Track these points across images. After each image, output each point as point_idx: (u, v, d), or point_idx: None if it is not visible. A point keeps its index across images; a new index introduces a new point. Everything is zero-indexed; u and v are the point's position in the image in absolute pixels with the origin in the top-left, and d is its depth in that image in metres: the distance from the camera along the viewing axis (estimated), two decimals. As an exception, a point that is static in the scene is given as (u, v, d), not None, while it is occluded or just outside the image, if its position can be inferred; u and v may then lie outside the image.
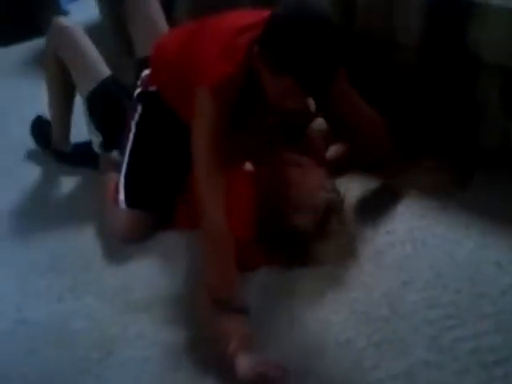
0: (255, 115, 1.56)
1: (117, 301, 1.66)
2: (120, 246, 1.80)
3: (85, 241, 1.86)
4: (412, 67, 1.87)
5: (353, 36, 1.84)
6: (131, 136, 1.80)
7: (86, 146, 2.06)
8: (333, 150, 1.89)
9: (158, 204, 1.81)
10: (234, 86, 1.48)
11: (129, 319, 1.60)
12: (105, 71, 1.95)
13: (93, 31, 2.26)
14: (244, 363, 1.35)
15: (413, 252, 1.65)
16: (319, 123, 1.88)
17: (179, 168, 1.76)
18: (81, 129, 2.06)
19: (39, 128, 2.21)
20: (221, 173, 1.50)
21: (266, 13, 1.45)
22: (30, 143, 2.25)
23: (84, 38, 1.96)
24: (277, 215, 1.64)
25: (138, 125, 1.80)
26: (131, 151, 1.80)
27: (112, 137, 1.92)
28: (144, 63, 1.87)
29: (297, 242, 1.63)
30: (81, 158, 2.11)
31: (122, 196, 1.79)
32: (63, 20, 2.03)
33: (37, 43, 3.02)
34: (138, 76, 1.88)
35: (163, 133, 1.79)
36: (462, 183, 1.78)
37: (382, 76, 1.93)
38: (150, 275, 1.71)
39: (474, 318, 1.45)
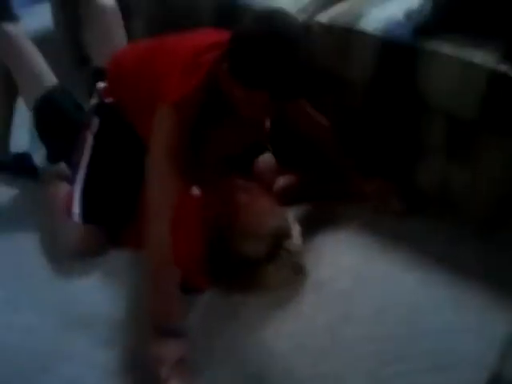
0: (216, 130, 1.57)
1: (55, 316, 1.61)
2: (62, 260, 1.76)
3: (24, 253, 1.80)
4: (360, 103, 1.92)
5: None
6: (88, 148, 1.77)
7: (25, 156, 2.01)
8: (281, 181, 1.93)
9: (113, 220, 1.78)
10: (194, 103, 1.49)
11: (66, 336, 1.56)
12: (51, 80, 1.90)
13: (45, 39, 2.24)
14: None
15: (354, 285, 1.68)
16: (267, 157, 1.90)
17: (135, 183, 1.73)
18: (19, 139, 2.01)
19: None
20: (174, 191, 1.50)
21: (227, 33, 1.48)
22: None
23: (28, 46, 1.90)
24: (224, 240, 1.65)
25: (95, 137, 1.77)
26: (89, 164, 1.77)
27: (58, 148, 1.88)
28: (99, 74, 1.86)
29: (243, 267, 1.64)
30: (19, 168, 2.05)
31: (76, 210, 1.75)
32: (7, 26, 1.93)
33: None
34: (91, 85, 1.86)
35: (121, 146, 1.77)
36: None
37: (330, 108, 1.97)
38: (91, 292, 1.68)
39: (413, 355, 1.49)
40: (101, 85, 1.82)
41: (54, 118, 1.88)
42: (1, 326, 1.59)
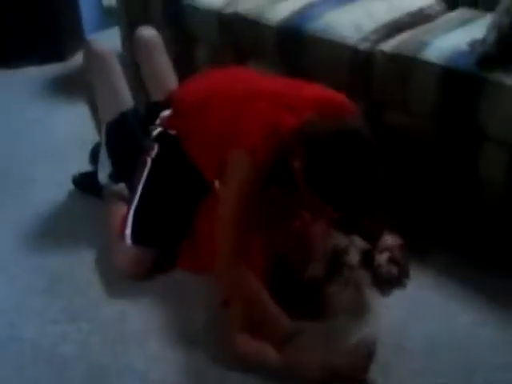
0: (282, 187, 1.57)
1: (110, 330, 1.65)
2: (118, 277, 1.80)
3: (84, 267, 1.86)
4: (419, 131, 1.90)
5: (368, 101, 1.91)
6: (146, 172, 1.82)
7: (91, 175, 2.08)
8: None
9: (164, 243, 1.81)
10: (270, 161, 1.50)
11: (119, 350, 1.59)
12: (128, 102, 1.97)
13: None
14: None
15: (408, 318, 1.65)
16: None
17: (187, 210, 1.78)
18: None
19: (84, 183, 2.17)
20: (246, 237, 1.53)
21: (312, 91, 1.54)
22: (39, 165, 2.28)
23: (113, 66, 1.98)
24: (286, 267, 1.66)
25: (153, 162, 1.82)
26: (144, 188, 1.81)
27: (122, 169, 1.94)
28: (157, 107, 1.92)
29: (307, 292, 1.64)
30: (85, 186, 2.13)
31: (128, 231, 1.79)
32: (96, 44, 2.04)
33: (55, 68, 3.11)
34: (151, 116, 1.92)
35: (177, 175, 1.81)
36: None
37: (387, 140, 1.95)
38: (145, 309, 1.71)
39: (466, 393, 1.45)
40: (166, 113, 1.87)
41: (123, 140, 1.95)
42: (57, 335, 1.64)
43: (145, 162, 1.83)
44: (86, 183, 2.13)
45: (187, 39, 2.45)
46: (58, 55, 3.16)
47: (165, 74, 2.08)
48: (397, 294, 1.73)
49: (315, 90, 1.63)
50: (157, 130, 1.86)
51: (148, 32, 2.11)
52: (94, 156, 2.14)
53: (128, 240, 1.79)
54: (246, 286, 1.51)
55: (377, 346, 1.45)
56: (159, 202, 1.82)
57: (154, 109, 1.94)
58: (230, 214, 1.52)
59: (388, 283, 1.73)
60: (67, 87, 2.89)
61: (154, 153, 1.83)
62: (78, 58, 3.10)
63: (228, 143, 1.55)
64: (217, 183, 1.69)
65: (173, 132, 1.82)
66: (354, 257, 1.66)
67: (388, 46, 1.92)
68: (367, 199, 1.42)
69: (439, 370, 1.51)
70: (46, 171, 2.28)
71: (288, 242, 1.67)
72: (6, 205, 2.15)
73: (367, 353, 1.44)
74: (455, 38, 1.86)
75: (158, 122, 1.88)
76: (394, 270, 1.73)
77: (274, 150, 1.49)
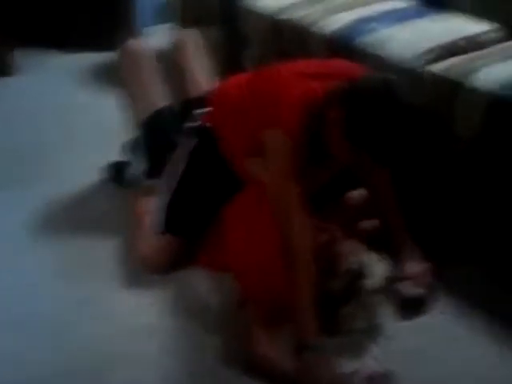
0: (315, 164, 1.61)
1: (125, 320, 1.66)
2: (137, 268, 1.81)
3: (106, 255, 1.87)
4: (462, 159, 1.86)
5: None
6: (182, 166, 1.83)
7: (122, 165, 2.11)
8: (366, 224, 1.89)
9: (194, 235, 1.82)
10: (307, 133, 1.54)
11: (133, 340, 1.60)
12: (161, 102, 1.97)
13: (163, 57, 2.34)
14: None
15: (425, 345, 1.60)
16: (358, 193, 1.88)
17: (215, 206, 1.78)
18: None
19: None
20: (296, 202, 1.54)
21: (333, 64, 1.58)
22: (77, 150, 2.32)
23: (149, 66, 2.00)
24: None
25: (191, 154, 1.83)
26: (181, 180, 1.82)
27: (155, 166, 1.94)
28: (191, 104, 1.94)
29: (323, 306, 1.60)
30: (114, 175, 2.16)
31: (161, 219, 1.81)
32: (135, 44, 2.08)
33: (105, 57, 3.12)
34: (186, 113, 1.92)
35: (212, 169, 1.82)
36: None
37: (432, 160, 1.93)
38: (161, 303, 1.71)
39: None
40: (204, 110, 1.88)
41: (158, 137, 1.97)
42: (71, 320, 1.66)
43: (181, 157, 1.84)
44: (116, 173, 2.15)
45: (238, 40, 2.46)
46: (112, 45, 3.20)
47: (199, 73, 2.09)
48: (415, 320, 1.68)
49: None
50: (194, 124, 1.87)
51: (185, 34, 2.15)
52: (129, 148, 2.15)
53: (159, 229, 1.80)
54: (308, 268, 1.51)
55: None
56: (194, 194, 1.83)
57: (189, 106, 1.94)
58: (282, 191, 1.54)
59: (407, 305, 1.69)
60: (113, 77, 2.90)
61: (191, 146, 1.83)
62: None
63: (263, 123, 1.58)
64: (247, 162, 1.69)
65: (209, 125, 1.82)
66: (375, 282, 1.63)
67: (438, 67, 1.88)
68: (394, 142, 1.48)
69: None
70: (83, 157, 2.31)
71: (316, 252, 1.65)
72: (38, 186, 2.18)
73: None
74: (505, 68, 1.81)
75: (191, 118, 1.88)
76: (416, 291, 1.70)
77: (307, 119, 1.53)
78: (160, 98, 1.99)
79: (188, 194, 1.83)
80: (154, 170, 1.93)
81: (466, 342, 1.62)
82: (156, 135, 1.96)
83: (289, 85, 1.58)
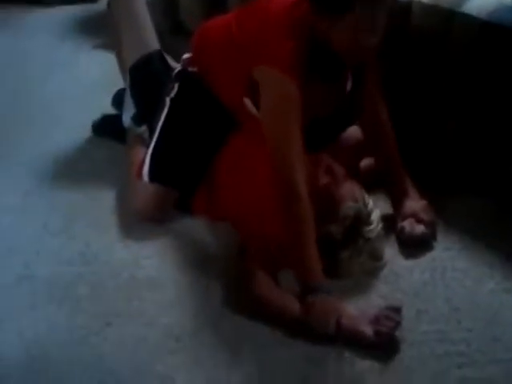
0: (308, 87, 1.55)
1: (124, 274, 1.64)
2: (136, 220, 1.78)
3: (102, 210, 1.84)
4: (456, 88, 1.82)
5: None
6: (165, 111, 1.79)
7: (116, 118, 2.05)
8: (364, 162, 1.87)
9: (181, 182, 1.78)
10: (302, 60, 1.50)
11: (133, 294, 1.58)
12: (154, 46, 1.94)
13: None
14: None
15: (431, 281, 1.60)
16: (354, 130, 1.83)
17: (207, 149, 1.74)
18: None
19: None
20: (298, 144, 1.51)
21: None
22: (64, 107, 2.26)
23: (142, 9, 1.95)
24: None
25: (172, 101, 1.79)
26: (163, 126, 1.78)
27: (145, 111, 1.90)
28: None
29: (322, 249, 1.59)
30: (107, 129, 2.11)
31: (146, 168, 1.77)
32: None
33: (87, 8, 3.06)
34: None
35: (196, 114, 1.78)
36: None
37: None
38: (160, 255, 1.69)
39: (485, 361, 1.40)
40: (186, 55, 1.83)
41: (146, 81, 1.92)
42: (73, 276, 1.63)
43: (164, 103, 1.80)
44: (108, 126, 2.11)
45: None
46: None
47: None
48: (419, 257, 1.67)
49: None
50: (176, 70, 1.83)
51: None
52: (118, 100, 2.09)
53: (145, 178, 1.77)
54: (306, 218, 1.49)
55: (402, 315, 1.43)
56: (178, 140, 1.78)
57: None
58: (280, 133, 1.50)
59: (412, 243, 1.68)
60: (96, 29, 2.83)
61: (173, 92, 1.79)
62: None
63: (254, 57, 1.54)
64: (246, 101, 1.64)
65: (192, 69, 1.78)
66: (373, 229, 1.60)
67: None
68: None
69: (459, 336, 1.46)
70: (70, 113, 2.26)
71: (311, 193, 1.61)
72: (28, 144, 2.13)
73: (393, 323, 1.41)
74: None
75: (179, 64, 1.84)
76: (419, 229, 1.68)
77: (302, 48, 1.49)
78: (153, 42, 1.95)
79: (171, 141, 1.79)
80: (145, 116, 1.89)
81: (468, 276, 1.61)
82: (145, 80, 1.91)
83: (278, 20, 1.52)
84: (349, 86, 1.72)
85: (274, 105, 1.54)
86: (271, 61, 1.51)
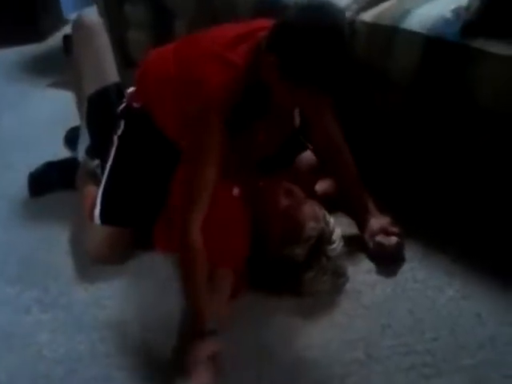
0: (250, 128, 1.54)
1: (85, 317, 1.61)
2: (89, 262, 1.75)
3: (57, 253, 1.81)
4: (402, 104, 1.84)
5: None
6: (113, 150, 1.77)
7: (67, 162, 2.03)
8: (322, 185, 1.88)
9: (136, 220, 1.76)
10: (231, 98, 1.46)
11: (96, 337, 1.55)
12: (113, 79, 1.91)
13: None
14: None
15: (392, 295, 1.62)
16: (307, 155, 1.85)
17: (159, 186, 1.71)
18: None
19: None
20: (209, 197, 1.47)
21: (256, 23, 1.50)
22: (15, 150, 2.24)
23: (102, 39, 1.93)
24: (264, 243, 1.62)
25: (119, 139, 1.77)
26: (112, 166, 1.76)
27: (99, 145, 1.87)
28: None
29: (281, 271, 1.61)
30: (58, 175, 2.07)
31: (97, 211, 1.74)
32: (87, 18, 1.97)
33: (33, 48, 3.03)
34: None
35: (145, 150, 1.75)
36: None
37: (372, 107, 1.91)
38: (121, 294, 1.67)
39: (451, 370, 1.41)
40: (131, 90, 1.82)
41: (101, 114, 1.89)
42: (32, 324, 1.61)
43: (112, 141, 1.78)
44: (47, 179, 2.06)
45: (165, 14, 2.38)
46: (36, 35, 3.09)
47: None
48: (381, 272, 1.69)
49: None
50: (121, 107, 1.81)
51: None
52: (70, 138, 2.07)
53: (97, 221, 1.74)
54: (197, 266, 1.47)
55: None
56: (128, 179, 1.76)
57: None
58: (196, 174, 1.47)
59: (391, 256, 1.71)
60: (45, 68, 2.82)
61: (119, 130, 1.77)
62: (55, 38, 3.05)
63: (186, 92, 1.51)
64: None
65: (137, 105, 1.76)
66: (336, 248, 1.62)
67: (369, 15, 1.84)
68: (339, 72, 1.40)
69: (423, 347, 1.47)
70: (21, 156, 2.22)
71: (273, 216, 1.63)
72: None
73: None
74: (438, 6, 1.78)
75: (124, 100, 1.82)
76: (394, 241, 1.71)
77: (229, 85, 1.45)
78: (112, 74, 1.92)
79: (121, 180, 1.76)
80: (98, 150, 1.86)
81: (429, 286, 1.64)
82: (100, 112, 1.88)
83: (210, 60, 1.49)
84: (297, 120, 1.75)
85: (194, 140, 1.50)
86: (200, 98, 1.47)
